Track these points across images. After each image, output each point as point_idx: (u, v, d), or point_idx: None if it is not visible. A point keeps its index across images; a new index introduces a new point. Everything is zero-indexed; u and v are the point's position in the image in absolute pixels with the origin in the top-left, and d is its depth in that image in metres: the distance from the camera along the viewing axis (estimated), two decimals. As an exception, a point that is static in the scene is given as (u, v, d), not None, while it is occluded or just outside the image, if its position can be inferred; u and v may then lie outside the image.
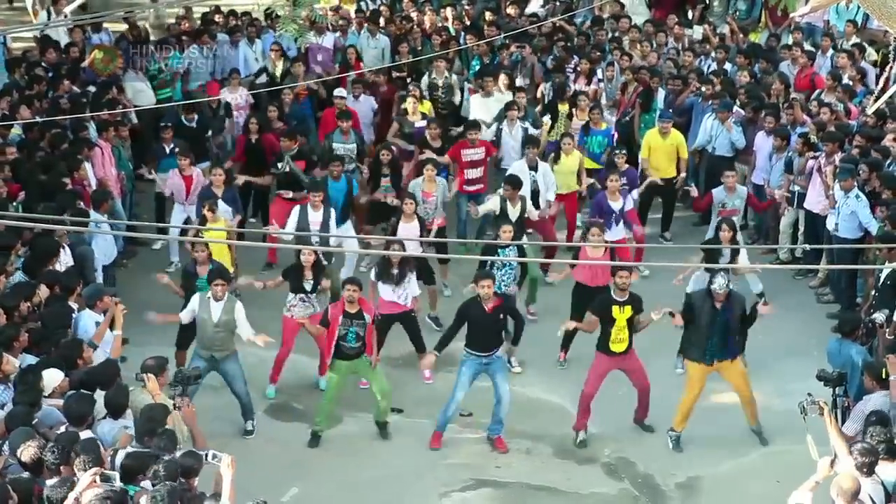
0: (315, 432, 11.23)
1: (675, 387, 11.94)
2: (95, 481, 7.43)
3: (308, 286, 11.73)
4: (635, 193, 14.26)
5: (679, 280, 12.35)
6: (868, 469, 8.00)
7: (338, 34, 18.17)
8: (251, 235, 14.32)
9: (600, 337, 11.08)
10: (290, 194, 13.99)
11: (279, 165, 14.28)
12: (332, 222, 12.92)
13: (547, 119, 15.80)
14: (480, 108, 15.98)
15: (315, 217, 12.73)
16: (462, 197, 14.45)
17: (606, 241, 12.37)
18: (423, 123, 15.23)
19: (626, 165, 14.18)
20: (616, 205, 13.44)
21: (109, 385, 9.05)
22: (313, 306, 11.74)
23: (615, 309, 10.95)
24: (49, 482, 7.62)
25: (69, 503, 7.35)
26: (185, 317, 11.09)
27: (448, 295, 13.56)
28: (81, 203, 12.50)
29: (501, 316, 10.96)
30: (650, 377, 11.66)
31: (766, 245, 14.84)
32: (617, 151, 14.38)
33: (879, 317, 10.92)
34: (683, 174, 15.00)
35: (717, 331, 10.81)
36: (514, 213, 13.08)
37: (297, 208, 12.89)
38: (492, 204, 13.28)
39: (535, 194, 13.75)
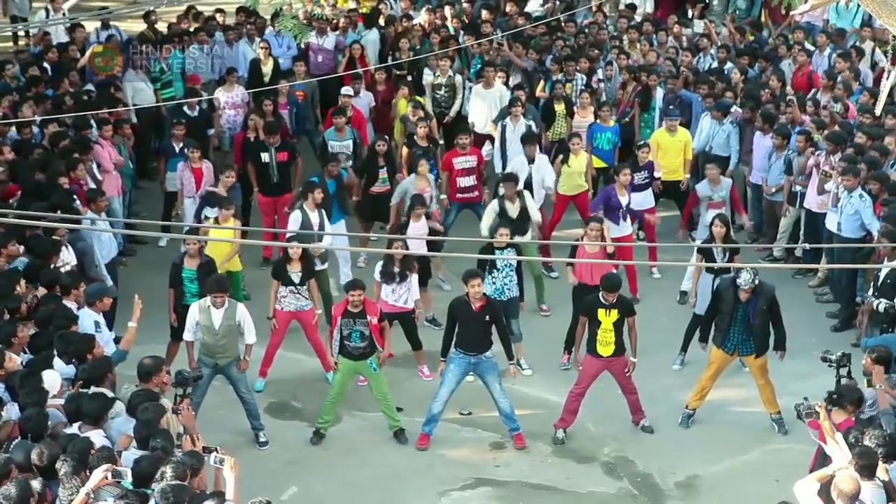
0: (318, 430, 11.25)
1: (674, 385, 12.01)
2: (107, 478, 7.42)
3: (296, 278, 11.76)
4: (655, 188, 14.30)
5: (692, 303, 12.42)
6: (869, 473, 7.97)
7: (338, 32, 18.17)
8: (253, 236, 14.37)
9: (588, 338, 11.11)
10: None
11: (262, 157, 14.35)
12: (326, 224, 12.88)
13: None
14: (480, 99, 16.04)
15: (314, 218, 12.71)
16: (454, 205, 14.34)
17: (605, 239, 12.35)
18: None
19: (647, 159, 14.22)
20: (624, 199, 13.41)
21: (101, 382, 9.05)
22: (305, 298, 11.84)
23: (601, 311, 10.96)
24: (63, 490, 7.58)
25: (80, 498, 7.34)
26: (189, 336, 11.04)
27: (448, 289, 13.57)
28: (77, 202, 12.50)
29: (488, 317, 10.94)
30: (651, 373, 11.77)
31: (765, 245, 14.81)
32: (640, 144, 14.46)
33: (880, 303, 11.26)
34: (688, 175, 14.94)
35: (738, 322, 10.97)
36: (514, 210, 13.08)
37: (297, 213, 12.87)
38: (490, 213, 13.18)
39: (527, 186, 13.72)
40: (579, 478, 10.78)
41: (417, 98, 15.85)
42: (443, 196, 14.17)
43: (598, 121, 15.41)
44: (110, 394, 9.01)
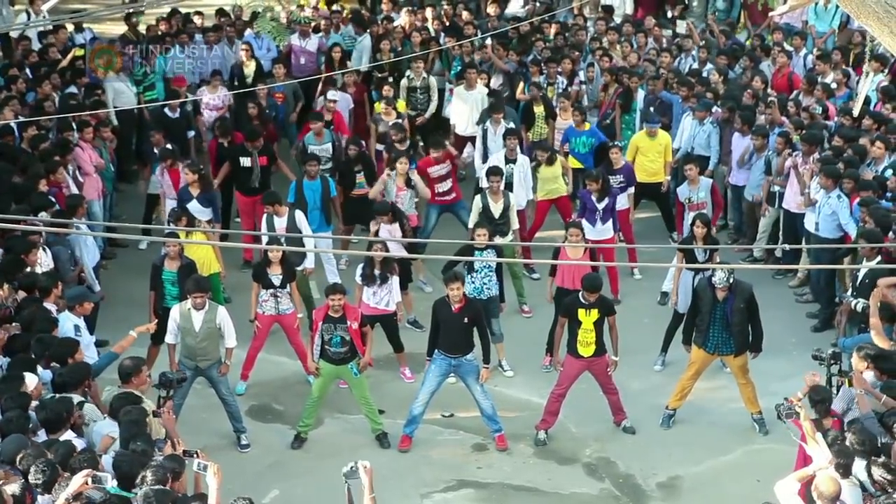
0: (299, 434, 11.23)
1: (655, 386, 12.04)
2: (87, 483, 7.39)
3: (276, 281, 11.73)
4: (631, 191, 14.28)
5: (674, 302, 12.43)
6: (845, 471, 8.02)
7: (321, 35, 18.14)
8: (233, 237, 14.32)
9: (569, 338, 11.13)
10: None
11: (242, 160, 14.33)
12: (306, 226, 12.83)
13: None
14: (462, 101, 16.05)
15: (280, 223, 12.69)
16: (433, 207, 14.29)
17: (587, 242, 12.37)
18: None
19: (622, 162, 14.21)
20: (601, 203, 13.40)
21: (76, 388, 9.01)
22: (286, 302, 11.80)
23: (581, 312, 10.97)
24: (42, 499, 7.53)
25: (60, 503, 7.31)
26: (171, 339, 10.98)
27: (429, 291, 13.60)
28: (56, 205, 12.44)
29: (467, 319, 10.93)
30: (632, 374, 11.79)
31: (745, 245, 14.85)
32: (612, 146, 14.43)
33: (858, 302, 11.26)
34: (668, 177, 14.97)
35: (717, 321, 10.97)
36: (497, 208, 13.07)
37: (264, 217, 12.86)
38: (475, 209, 13.20)
39: (508, 187, 13.68)
40: (561, 479, 10.79)
41: (399, 111, 15.76)
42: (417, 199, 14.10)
43: (574, 126, 15.39)
44: (77, 399, 8.95)
